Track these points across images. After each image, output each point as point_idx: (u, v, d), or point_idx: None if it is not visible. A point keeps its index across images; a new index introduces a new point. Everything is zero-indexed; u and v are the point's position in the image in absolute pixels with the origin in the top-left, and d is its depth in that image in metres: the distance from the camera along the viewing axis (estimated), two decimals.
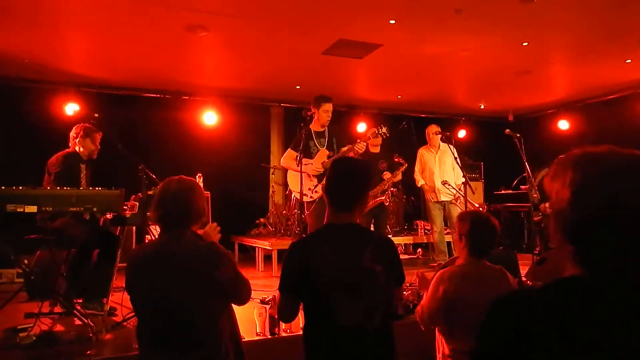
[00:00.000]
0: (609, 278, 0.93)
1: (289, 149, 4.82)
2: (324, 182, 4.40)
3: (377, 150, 5.96)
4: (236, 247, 7.10)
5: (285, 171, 6.71)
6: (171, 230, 2.07)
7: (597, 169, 0.96)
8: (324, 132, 4.82)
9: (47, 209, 3.11)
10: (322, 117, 4.74)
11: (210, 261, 2.00)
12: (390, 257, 1.98)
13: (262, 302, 3.75)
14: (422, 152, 6.43)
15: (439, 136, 6.10)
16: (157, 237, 4.78)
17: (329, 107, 4.74)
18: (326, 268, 1.87)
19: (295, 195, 4.88)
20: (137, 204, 3.82)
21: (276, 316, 3.01)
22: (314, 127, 4.79)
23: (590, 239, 0.95)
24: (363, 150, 4.86)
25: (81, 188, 3.90)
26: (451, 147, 5.84)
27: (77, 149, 4.09)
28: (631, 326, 0.88)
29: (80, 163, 4.08)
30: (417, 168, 6.42)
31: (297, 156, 4.60)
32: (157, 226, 4.75)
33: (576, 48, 5.61)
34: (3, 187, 3.10)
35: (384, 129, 4.97)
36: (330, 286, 1.86)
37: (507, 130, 4.92)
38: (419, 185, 6.40)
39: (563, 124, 8.17)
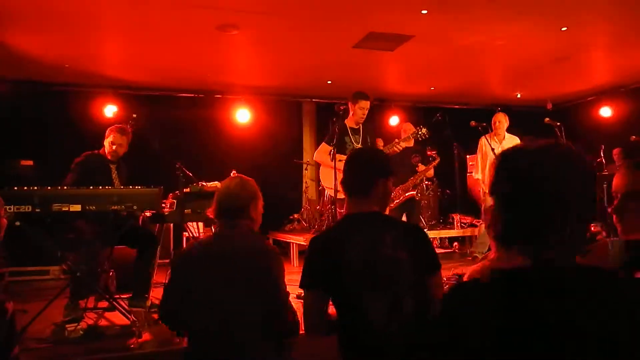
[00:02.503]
0: (543, 268, 0.95)
1: (323, 142, 4.74)
2: None
3: (410, 143, 5.86)
4: (270, 242, 7.18)
5: (318, 166, 6.71)
6: (225, 222, 2.18)
7: (520, 160, 1.02)
8: (359, 129, 4.77)
9: (91, 207, 3.21)
10: (357, 113, 4.67)
11: (259, 255, 2.04)
12: (417, 242, 1.89)
13: (298, 297, 3.77)
14: (483, 141, 5.76)
15: (505, 125, 5.67)
16: (193, 234, 4.86)
17: (365, 104, 4.66)
18: (346, 260, 1.82)
19: (329, 192, 4.82)
20: (175, 201, 3.89)
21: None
22: (349, 123, 4.74)
23: (518, 227, 0.99)
24: (399, 151, 4.80)
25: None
26: (515, 138, 5.56)
27: (106, 149, 4.01)
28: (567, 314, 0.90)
29: (108, 163, 3.98)
30: (478, 159, 5.96)
31: (330, 151, 4.56)
32: (195, 224, 4.85)
33: (618, 31, 5.36)
34: (49, 188, 3.22)
35: (424, 130, 4.79)
36: (352, 278, 1.81)
37: (547, 119, 4.77)
38: (475, 178, 6.02)
39: (605, 111, 7.85)
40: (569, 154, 1.01)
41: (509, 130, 5.68)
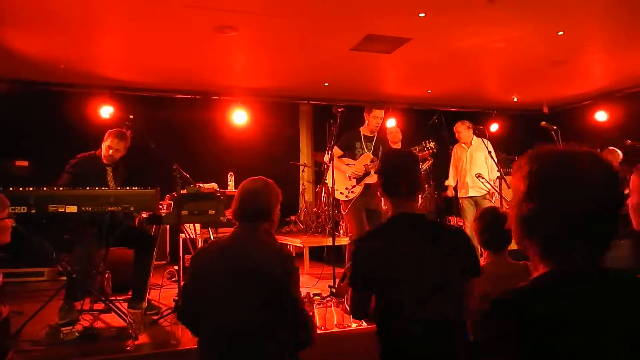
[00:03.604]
0: (585, 271, 0.98)
1: (335, 146, 4.71)
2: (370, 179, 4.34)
3: (398, 147, 5.87)
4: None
5: (320, 169, 6.69)
6: (244, 223, 2.16)
7: (553, 161, 1.02)
8: (372, 137, 4.78)
9: (87, 208, 3.19)
10: (371, 122, 4.71)
11: (275, 259, 2.01)
12: (464, 246, 1.91)
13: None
14: (455, 149, 6.24)
15: (470, 130, 5.92)
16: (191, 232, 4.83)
17: (379, 113, 4.69)
18: (399, 262, 1.85)
19: (339, 197, 4.75)
20: (172, 203, 3.88)
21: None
22: (364, 130, 4.77)
23: (551, 230, 0.99)
24: None
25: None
26: (485, 141, 5.69)
27: (102, 152, 4.01)
28: (620, 315, 0.93)
29: (104, 166, 3.99)
30: (451, 165, 6.26)
31: (327, 149, 4.57)
32: (192, 225, 4.82)
33: (615, 35, 5.39)
34: (45, 188, 3.20)
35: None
36: (402, 280, 1.84)
37: (543, 122, 4.79)
38: (445, 184, 6.29)
39: (601, 115, 7.88)
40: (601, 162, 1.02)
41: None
